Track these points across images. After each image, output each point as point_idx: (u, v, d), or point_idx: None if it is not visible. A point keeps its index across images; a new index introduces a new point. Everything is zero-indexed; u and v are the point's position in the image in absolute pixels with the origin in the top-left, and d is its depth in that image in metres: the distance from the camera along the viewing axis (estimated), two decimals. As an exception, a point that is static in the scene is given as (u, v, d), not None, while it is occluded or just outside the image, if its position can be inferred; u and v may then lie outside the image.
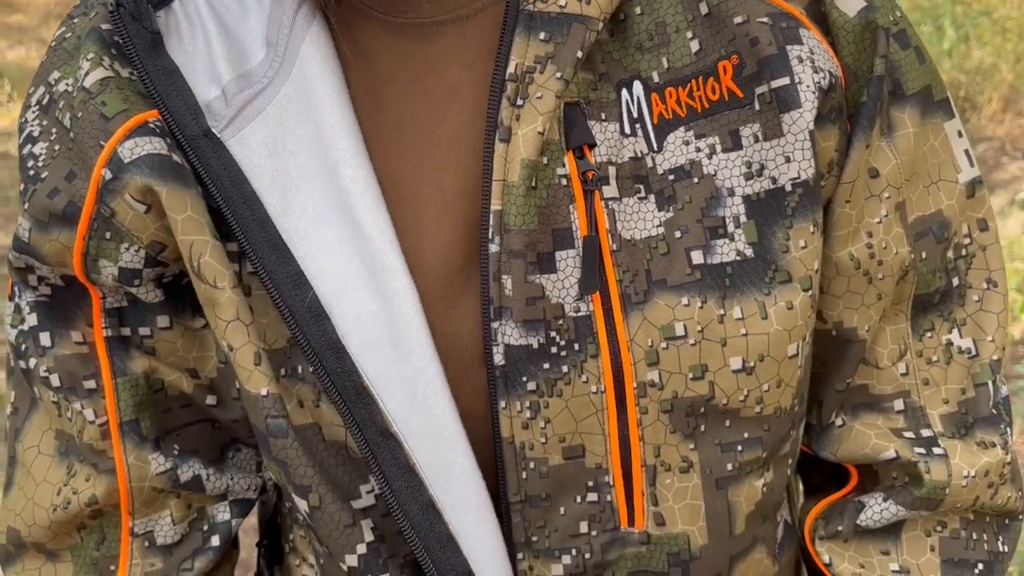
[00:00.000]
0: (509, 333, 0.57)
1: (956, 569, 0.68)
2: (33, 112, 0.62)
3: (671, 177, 0.58)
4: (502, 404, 0.58)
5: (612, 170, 0.58)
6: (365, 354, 0.58)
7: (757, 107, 0.58)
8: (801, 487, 0.77)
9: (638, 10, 0.59)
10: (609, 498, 0.61)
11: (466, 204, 0.59)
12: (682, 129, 0.59)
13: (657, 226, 0.58)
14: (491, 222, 0.57)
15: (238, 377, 0.59)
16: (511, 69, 0.57)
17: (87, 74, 0.59)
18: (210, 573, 0.70)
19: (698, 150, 0.59)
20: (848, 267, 0.63)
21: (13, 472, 0.69)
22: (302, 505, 0.61)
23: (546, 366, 0.58)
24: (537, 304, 0.57)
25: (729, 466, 0.61)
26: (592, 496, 0.61)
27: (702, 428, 0.60)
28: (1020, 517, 0.71)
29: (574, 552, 0.61)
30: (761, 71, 0.58)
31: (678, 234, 0.58)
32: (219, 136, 0.58)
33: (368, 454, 0.58)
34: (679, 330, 0.58)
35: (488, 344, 0.58)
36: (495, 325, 0.57)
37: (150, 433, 0.65)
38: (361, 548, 0.61)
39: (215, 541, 0.69)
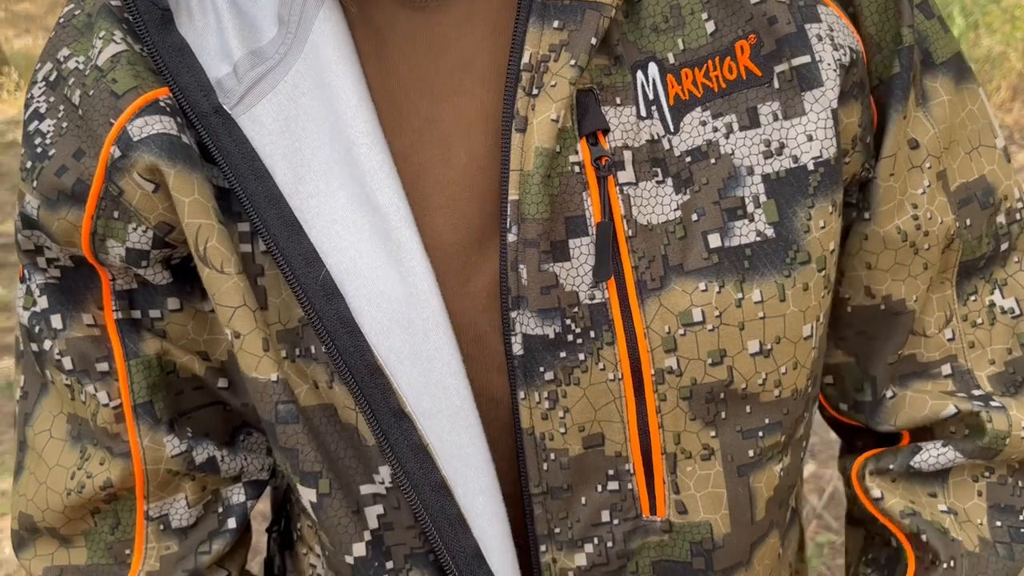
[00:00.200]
0: (525, 322, 0.57)
1: (1002, 514, 0.69)
2: (40, 88, 0.61)
3: (688, 159, 0.58)
4: (521, 395, 0.58)
5: (628, 154, 0.58)
6: (379, 332, 0.57)
7: (776, 85, 0.58)
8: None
9: None
10: (630, 487, 0.60)
11: (478, 180, 0.59)
12: (699, 109, 0.58)
13: (674, 210, 0.58)
14: (508, 212, 0.56)
15: (243, 365, 0.58)
16: (525, 59, 0.56)
17: (100, 52, 0.58)
18: (226, 556, 0.70)
19: (715, 130, 0.58)
20: (895, 240, 0.63)
21: (23, 457, 0.68)
22: (309, 495, 0.60)
23: (563, 355, 0.57)
24: (552, 293, 0.57)
25: (751, 452, 0.61)
26: (613, 485, 0.60)
27: (723, 415, 0.59)
28: None
29: (596, 541, 0.61)
30: (780, 49, 0.57)
31: (695, 217, 0.58)
32: (230, 112, 0.58)
33: (380, 434, 0.58)
34: (697, 316, 0.57)
35: (507, 334, 0.57)
36: (513, 315, 0.57)
37: (164, 415, 0.65)
38: (367, 535, 0.61)
39: (231, 523, 0.69)
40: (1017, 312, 0.68)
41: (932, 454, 0.68)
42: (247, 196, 0.57)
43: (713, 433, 0.60)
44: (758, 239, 0.58)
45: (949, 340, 0.67)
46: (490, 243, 0.59)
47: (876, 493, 0.69)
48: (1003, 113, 4.25)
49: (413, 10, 0.59)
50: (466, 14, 0.59)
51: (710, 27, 0.58)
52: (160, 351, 0.64)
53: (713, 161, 0.58)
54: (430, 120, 0.59)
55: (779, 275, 0.58)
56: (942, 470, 0.69)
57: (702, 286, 0.57)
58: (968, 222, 0.65)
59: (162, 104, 0.57)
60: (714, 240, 0.57)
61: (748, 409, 0.60)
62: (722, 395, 0.59)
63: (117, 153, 0.57)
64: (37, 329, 0.65)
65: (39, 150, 0.60)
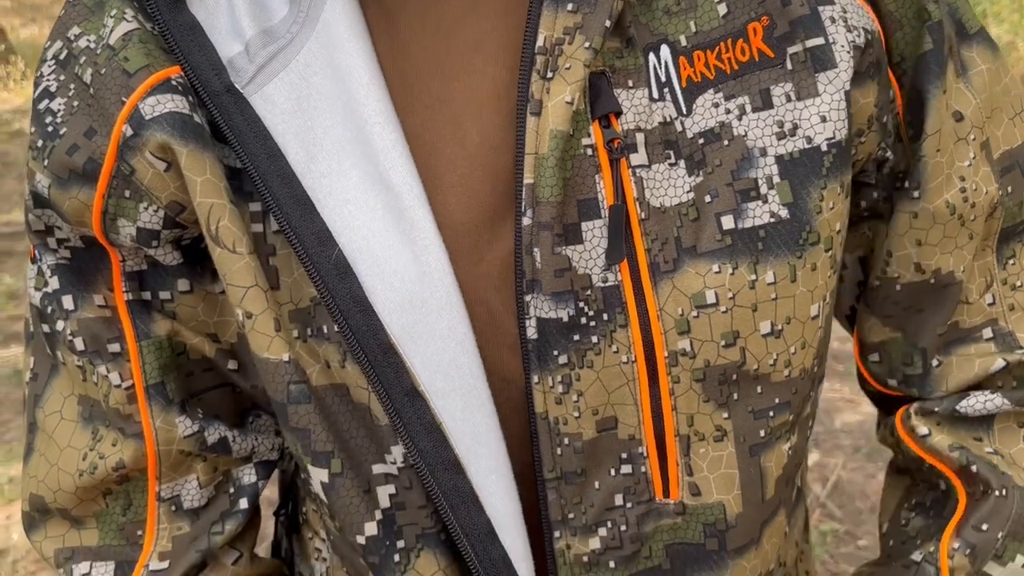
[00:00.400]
0: (539, 306, 0.57)
1: None
2: (49, 66, 0.61)
3: (701, 141, 0.58)
4: (535, 379, 0.58)
5: (640, 136, 0.57)
6: (392, 311, 0.57)
7: (789, 66, 0.57)
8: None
9: None
10: (643, 470, 0.60)
11: (490, 159, 0.58)
12: (711, 91, 0.58)
13: (687, 192, 0.57)
14: (523, 196, 0.56)
15: (255, 345, 0.58)
16: (540, 42, 0.56)
17: (111, 31, 0.58)
18: (238, 536, 0.70)
19: (728, 111, 0.58)
20: (944, 215, 0.64)
21: (33, 439, 0.69)
22: (320, 476, 0.60)
23: (576, 337, 0.57)
24: (565, 276, 0.57)
25: (762, 432, 0.61)
26: (626, 468, 0.60)
27: (735, 396, 0.59)
28: None
29: (610, 525, 0.61)
30: (794, 31, 0.57)
31: (708, 199, 0.57)
32: (242, 92, 0.58)
33: (393, 414, 0.58)
34: (710, 298, 0.57)
35: (521, 318, 0.57)
36: (528, 298, 0.57)
37: (176, 396, 0.65)
38: (378, 515, 0.61)
39: (243, 504, 0.69)
40: None
41: (979, 399, 0.68)
42: (259, 175, 0.57)
43: (726, 414, 0.60)
44: (772, 220, 0.57)
45: (990, 305, 0.68)
46: (502, 222, 0.59)
47: (923, 430, 0.70)
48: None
49: None
50: None
51: (722, 9, 0.58)
52: (171, 332, 0.64)
53: (726, 143, 0.58)
54: (442, 99, 0.59)
55: (792, 256, 0.58)
56: (987, 416, 0.69)
57: (715, 268, 0.57)
58: (1010, 189, 0.66)
59: (174, 83, 0.57)
60: (727, 222, 0.57)
61: (759, 390, 0.60)
62: (735, 376, 0.59)
63: (129, 132, 0.57)
64: (49, 310, 0.65)
65: (50, 129, 0.60)
